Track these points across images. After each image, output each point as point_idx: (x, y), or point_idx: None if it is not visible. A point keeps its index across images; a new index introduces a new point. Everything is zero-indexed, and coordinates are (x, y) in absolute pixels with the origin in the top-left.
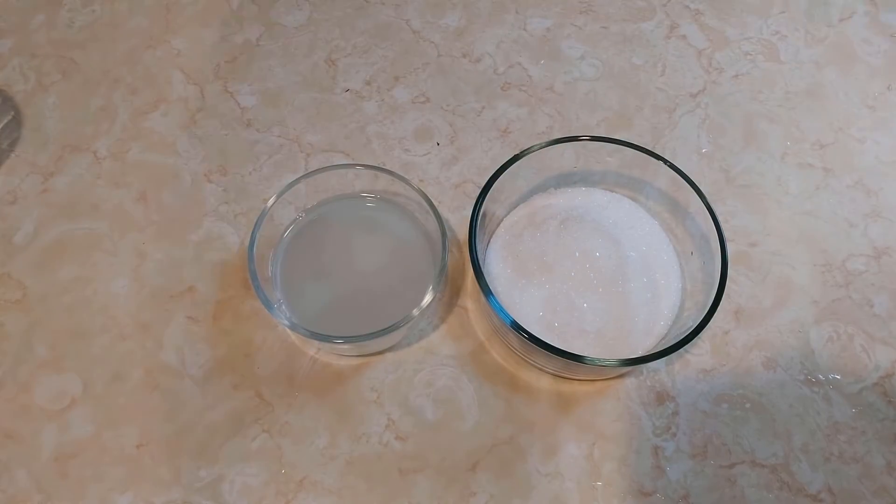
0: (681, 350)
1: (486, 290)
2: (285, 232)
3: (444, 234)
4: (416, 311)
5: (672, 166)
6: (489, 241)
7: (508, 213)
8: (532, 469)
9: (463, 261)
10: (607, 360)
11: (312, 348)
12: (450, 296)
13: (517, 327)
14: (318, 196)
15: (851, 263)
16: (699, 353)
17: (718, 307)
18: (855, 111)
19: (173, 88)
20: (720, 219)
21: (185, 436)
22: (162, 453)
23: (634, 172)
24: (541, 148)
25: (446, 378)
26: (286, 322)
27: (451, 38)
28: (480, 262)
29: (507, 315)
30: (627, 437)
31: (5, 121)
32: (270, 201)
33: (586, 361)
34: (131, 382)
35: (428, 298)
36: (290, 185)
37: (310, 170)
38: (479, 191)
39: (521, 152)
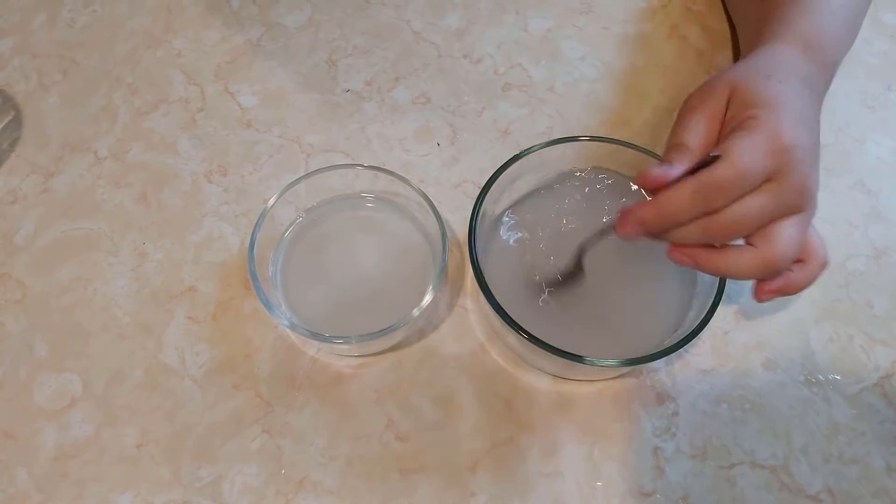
0: (681, 350)
1: (485, 290)
2: (285, 232)
3: (444, 234)
4: (416, 311)
5: None
6: (489, 241)
7: (508, 213)
8: (532, 469)
9: (463, 261)
10: (607, 361)
11: (312, 348)
12: (450, 296)
13: (517, 327)
14: (318, 196)
15: (851, 264)
16: (699, 353)
17: (718, 307)
18: (855, 111)
19: (174, 89)
20: None
21: (185, 436)
22: (162, 453)
23: (634, 172)
24: (541, 148)
25: (446, 378)
26: (286, 322)
27: (451, 39)
28: (480, 262)
29: (506, 315)
30: (627, 437)
31: (6, 121)
32: (270, 201)
33: (586, 361)
34: (131, 382)
35: (428, 298)
36: (291, 185)
37: (310, 170)
38: (479, 191)
39: (521, 152)
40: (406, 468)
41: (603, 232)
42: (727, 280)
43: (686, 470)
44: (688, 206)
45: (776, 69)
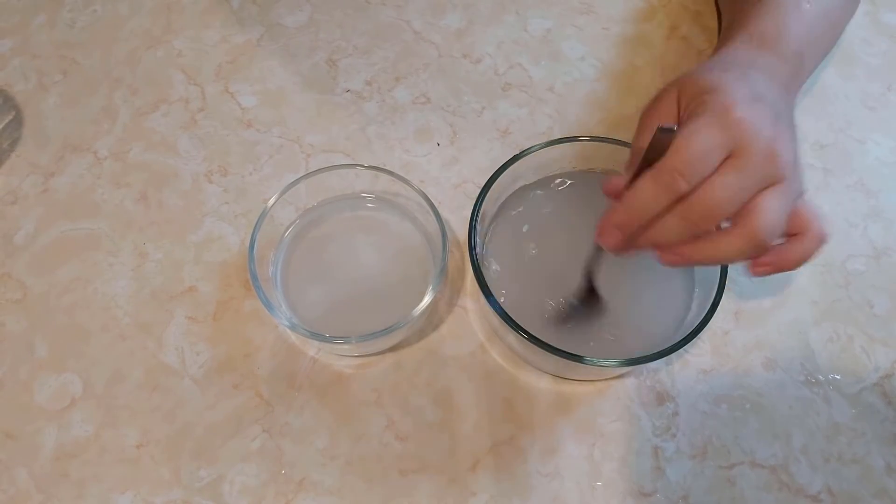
0: (681, 350)
1: (485, 290)
2: (285, 232)
3: (444, 234)
4: (416, 311)
5: None
6: (489, 242)
7: (508, 212)
8: (532, 469)
9: (463, 261)
10: (607, 361)
11: (312, 348)
12: (450, 296)
13: (517, 327)
14: (318, 196)
15: (851, 264)
16: (699, 353)
17: (718, 307)
18: (855, 112)
19: (174, 89)
20: None
21: (185, 436)
22: (162, 453)
23: None
24: (541, 148)
25: (446, 378)
26: (286, 322)
27: (451, 39)
28: (480, 263)
29: (506, 315)
30: (627, 437)
31: (6, 121)
32: (271, 201)
33: (586, 361)
34: (131, 382)
35: (428, 298)
36: (291, 185)
37: (310, 170)
38: (479, 191)
39: (521, 152)
40: (406, 468)
41: (600, 249)
42: (727, 279)
43: (686, 470)
44: (652, 195)
45: (720, 63)
